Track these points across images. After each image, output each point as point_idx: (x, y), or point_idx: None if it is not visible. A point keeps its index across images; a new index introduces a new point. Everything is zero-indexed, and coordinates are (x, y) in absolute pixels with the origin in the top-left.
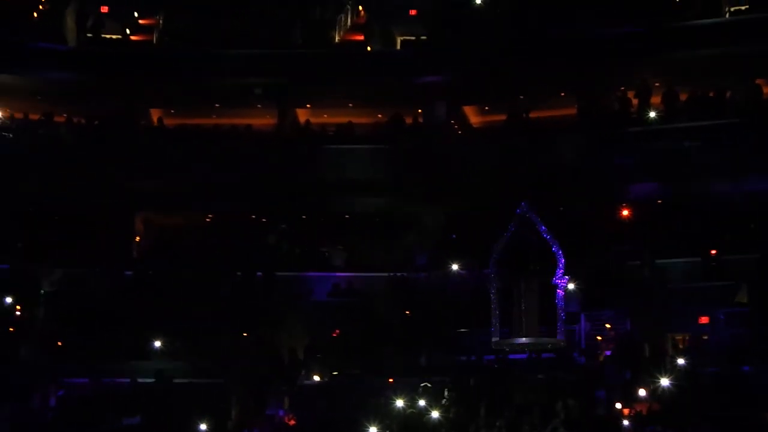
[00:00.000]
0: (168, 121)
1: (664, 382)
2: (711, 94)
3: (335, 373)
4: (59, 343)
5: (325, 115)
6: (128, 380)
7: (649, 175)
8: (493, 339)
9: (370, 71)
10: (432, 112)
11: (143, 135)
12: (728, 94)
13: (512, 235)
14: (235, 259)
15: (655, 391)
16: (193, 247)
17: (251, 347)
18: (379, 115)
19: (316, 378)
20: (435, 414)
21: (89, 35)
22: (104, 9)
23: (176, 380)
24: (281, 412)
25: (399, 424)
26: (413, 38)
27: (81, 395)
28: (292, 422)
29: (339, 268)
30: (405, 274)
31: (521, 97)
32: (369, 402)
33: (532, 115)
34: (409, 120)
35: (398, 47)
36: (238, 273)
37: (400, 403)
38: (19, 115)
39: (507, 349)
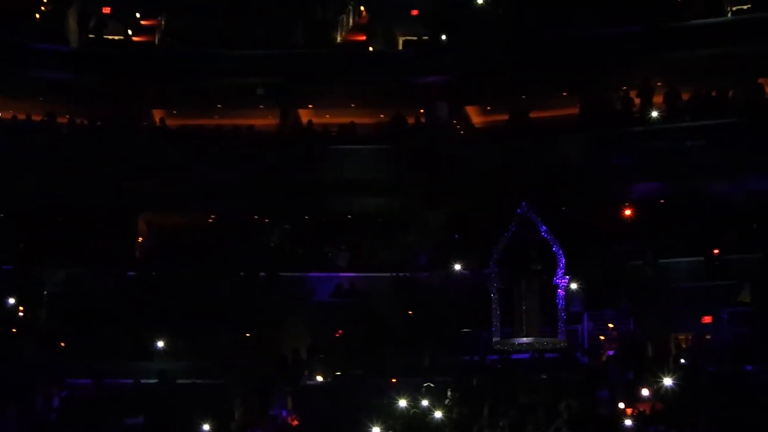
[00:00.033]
0: (170, 122)
1: (667, 381)
2: (713, 94)
3: (338, 373)
4: (62, 344)
5: (327, 116)
6: (131, 381)
7: (652, 174)
8: (494, 339)
9: (371, 71)
10: (434, 112)
11: (145, 135)
12: (730, 94)
13: (513, 235)
14: (238, 259)
15: (658, 391)
16: (196, 247)
17: (254, 348)
18: (381, 116)
19: (319, 378)
20: (438, 414)
21: (91, 36)
22: (106, 10)
23: (179, 381)
24: (284, 413)
25: (402, 424)
26: (415, 38)
27: (84, 396)
28: (295, 422)
29: (341, 268)
30: (408, 274)
31: (523, 97)
32: (372, 402)
33: (535, 115)
34: (411, 120)
35: (400, 47)
36: (241, 273)
37: (403, 403)
38: (21, 116)
39: (509, 349)
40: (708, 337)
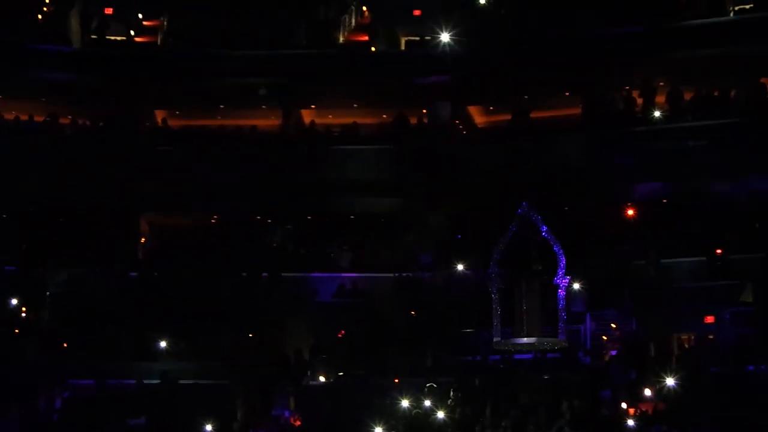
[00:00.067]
0: (172, 122)
1: (670, 381)
2: (715, 94)
3: (340, 373)
4: (64, 345)
5: (330, 116)
6: (133, 381)
7: (654, 174)
8: (495, 339)
9: (374, 72)
10: (436, 112)
11: (147, 136)
12: (733, 94)
13: (513, 235)
14: (241, 260)
15: (660, 391)
16: (198, 248)
17: (256, 348)
18: (384, 116)
19: (322, 379)
20: (440, 414)
21: (94, 37)
22: (108, 11)
23: (181, 381)
24: (287, 413)
25: (404, 424)
26: (417, 38)
27: (86, 396)
28: (298, 423)
29: (344, 268)
30: (410, 274)
31: (525, 97)
32: (374, 402)
33: (537, 115)
34: (413, 120)
35: (402, 47)
36: (244, 274)
37: (405, 403)
38: (23, 117)
39: (510, 349)
40: (710, 337)
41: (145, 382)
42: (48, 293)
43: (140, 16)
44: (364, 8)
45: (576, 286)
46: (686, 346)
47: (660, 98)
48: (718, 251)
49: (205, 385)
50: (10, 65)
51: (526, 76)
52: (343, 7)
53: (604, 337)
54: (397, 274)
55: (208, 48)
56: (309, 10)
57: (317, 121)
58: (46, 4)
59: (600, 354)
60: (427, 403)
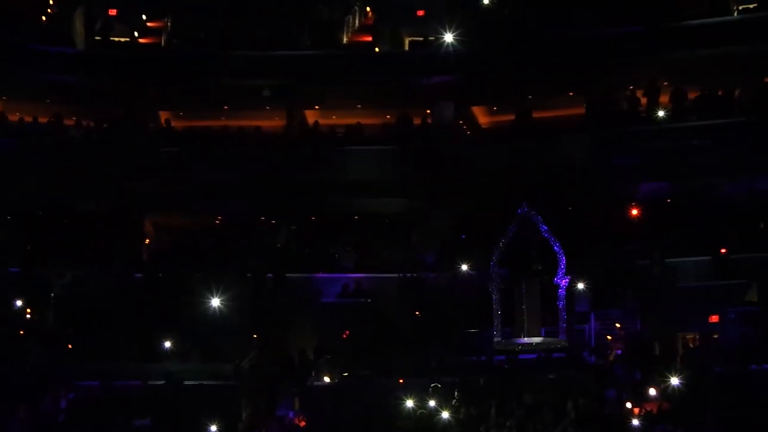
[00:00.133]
0: (176, 123)
1: (675, 381)
2: (719, 94)
3: (345, 374)
4: (69, 346)
5: (334, 116)
6: (139, 382)
7: (658, 174)
8: (495, 339)
9: (378, 72)
10: (440, 112)
11: (151, 137)
12: (736, 93)
13: (513, 235)
14: (245, 260)
15: (665, 391)
16: (203, 249)
17: (261, 349)
18: (388, 116)
19: (326, 379)
20: (445, 414)
21: (97, 38)
22: (112, 12)
23: (186, 382)
24: (291, 414)
25: (409, 424)
26: (421, 39)
27: (91, 398)
28: (303, 423)
29: (348, 269)
30: (414, 274)
31: (529, 97)
32: (379, 403)
33: (540, 115)
34: (417, 121)
35: (406, 48)
36: (248, 275)
37: (410, 403)
38: (28, 118)
39: (512, 349)
40: (715, 336)
41: (150, 383)
42: (52, 294)
43: (144, 17)
44: (368, 9)
45: (580, 285)
46: (691, 345)
47: (663, 98)
48: (723, 251)
49: (210, 385)
50: (15, 66)
51: (530, 76)
52: (347, 7)
53: (609, 337)
54: (401, 275)
55: (212, 49)
56: (312, 11)
57: (321, 121)
58: (50, 6)
59: (605, 354)
60: (432, 403)
